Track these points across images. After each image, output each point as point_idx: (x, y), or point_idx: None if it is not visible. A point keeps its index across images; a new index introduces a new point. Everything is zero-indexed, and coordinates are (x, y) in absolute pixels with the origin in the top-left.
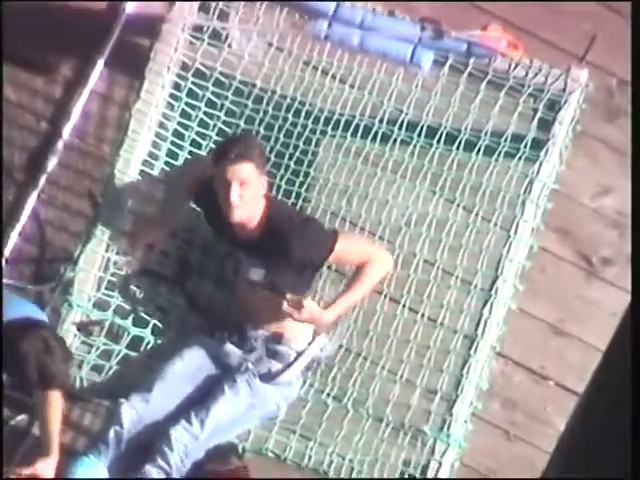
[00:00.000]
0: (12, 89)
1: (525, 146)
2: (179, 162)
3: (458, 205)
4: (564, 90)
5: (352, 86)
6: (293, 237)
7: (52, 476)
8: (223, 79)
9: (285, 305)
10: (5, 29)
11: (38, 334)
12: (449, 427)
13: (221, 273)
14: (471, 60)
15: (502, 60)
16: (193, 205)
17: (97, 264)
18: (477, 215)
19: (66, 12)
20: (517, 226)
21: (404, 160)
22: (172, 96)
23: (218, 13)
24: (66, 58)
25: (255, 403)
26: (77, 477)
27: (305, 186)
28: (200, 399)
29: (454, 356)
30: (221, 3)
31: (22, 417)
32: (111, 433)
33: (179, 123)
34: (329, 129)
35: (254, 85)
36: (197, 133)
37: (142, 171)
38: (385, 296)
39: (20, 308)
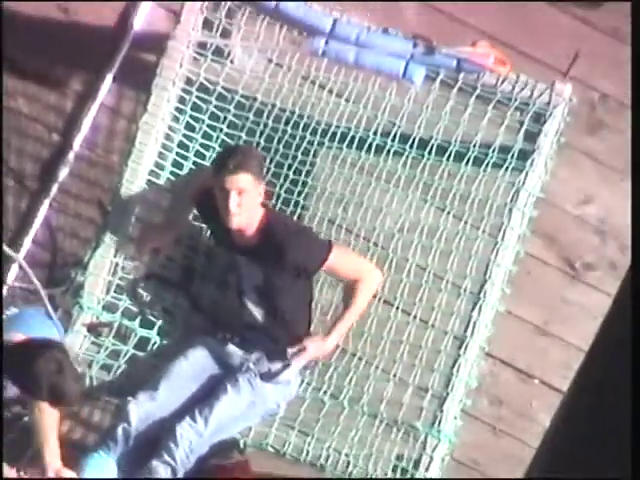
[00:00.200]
0: (25, 102)
1: (512, 157)
2: (184, 172)
3: (448, 213)
4: (549, 104)
5: (348, 100)
6: (288, 243)
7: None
8: (226, 93)
9: (289, 354)
10: (19, 46)
11: (53, 355)
12: (440, 423)
13: (223, 277)
14: (461, 75)
15: (490, 75)
16: (196, 213)
17: (106, 269)
18: (466, 222)
19: (77, 29)
20: (504, 233)
21: (397, 170)
22: (177, 109)
23: (221, 30)
24: (77, 73)
25: (256, 401)
26: (88, 472)
27: (303, 195)
28: (204, 397)
29: (445, 356)
30: (224, 21)
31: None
32: (120, 430)
33: (184, 135)
34: (326, 141)
35: (255, 99)
36: (201, 144)
37: (149, 180)
38: (379, 299)
39: (43, 329)
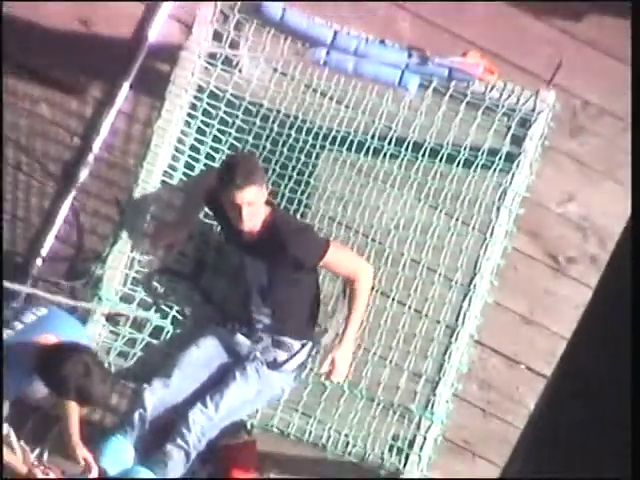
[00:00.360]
0: (48, 108)
1: (500, 159)
2: (195, 173)
3: (441, 211)
4: (534, 110)
5: (347, 106)
6: (289, 238)
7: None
8: (234, 100)
9: (323, 377)
10: (43, 56)
11: (81, 358)
12: (433, 406)
13: (231, 271)
14: (452, 83)
15: (479, 83)
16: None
17: (123, 263)
18: (457, 220)
19: (96, 41)
20: (492, 229)
21: (393, 171)
22: (189, 115)
23: (230, 42)
24: (96, 81)
25: (263, 388)
26: (107, 454)
27: (306, 194)
28: (214, 384)
29: (437, 343)
30: (232, 33)
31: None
32: (136, 415)
33: (195, 139)
34: (327, 144)
35: (261, 105)
36: (211, 147)
37: (163, 181)
38: (376, 291)
39: (74, 333)
